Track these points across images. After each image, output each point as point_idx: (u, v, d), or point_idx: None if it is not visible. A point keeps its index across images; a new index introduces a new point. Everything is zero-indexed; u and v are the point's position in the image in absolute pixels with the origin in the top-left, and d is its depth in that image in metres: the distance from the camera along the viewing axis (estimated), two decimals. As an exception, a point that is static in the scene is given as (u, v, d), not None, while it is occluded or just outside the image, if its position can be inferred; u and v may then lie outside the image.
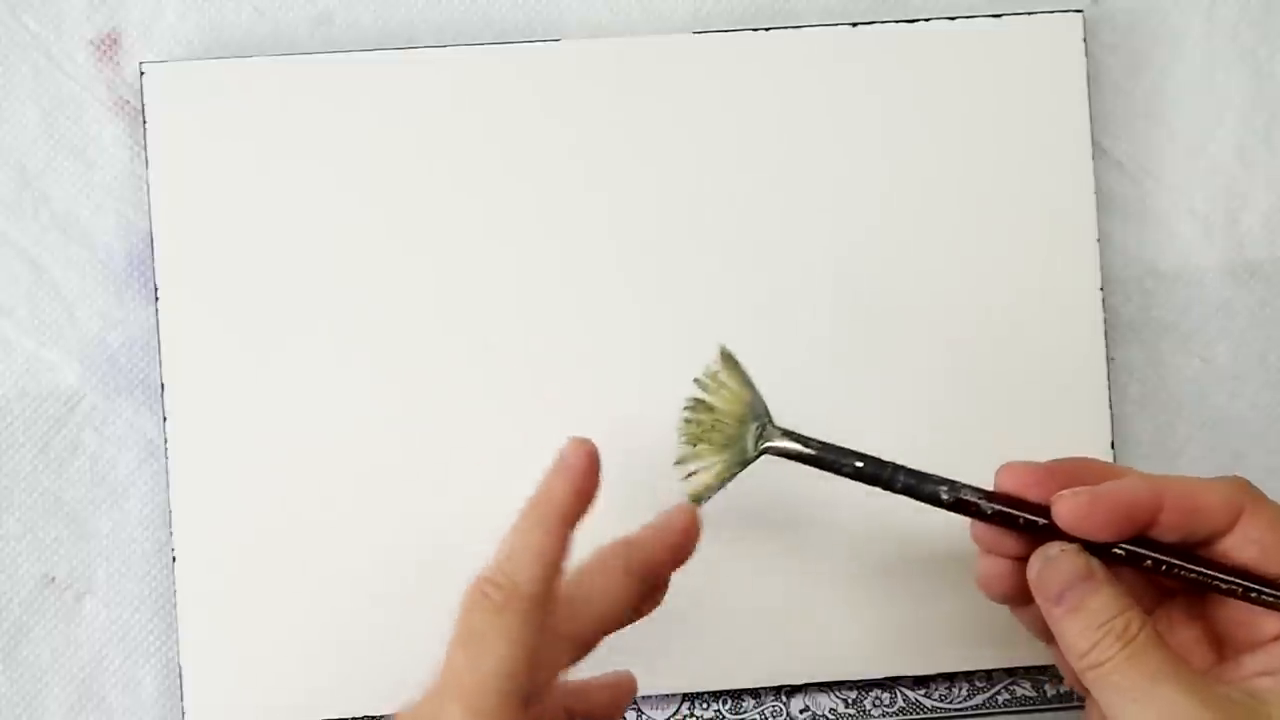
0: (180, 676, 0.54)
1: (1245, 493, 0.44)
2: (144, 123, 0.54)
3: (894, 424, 0.55)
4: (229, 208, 0.54)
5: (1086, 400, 0.55)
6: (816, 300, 0.55)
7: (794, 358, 0.55)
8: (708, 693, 0.56)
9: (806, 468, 0.46)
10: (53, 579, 0.55)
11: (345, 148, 0.55)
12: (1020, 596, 0.45)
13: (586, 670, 0.46)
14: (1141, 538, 0.44)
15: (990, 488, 0.45)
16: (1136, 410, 0.57)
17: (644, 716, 0.55)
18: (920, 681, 0.56)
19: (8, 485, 0.55)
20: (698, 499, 0.46)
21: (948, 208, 0.55)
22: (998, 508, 0.44)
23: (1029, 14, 0.56)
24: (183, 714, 0.54)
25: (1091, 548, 0.44)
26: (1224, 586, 0.43)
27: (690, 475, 0.46)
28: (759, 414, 0.46)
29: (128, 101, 0.56)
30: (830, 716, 0.56)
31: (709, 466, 0.46)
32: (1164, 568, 0.44)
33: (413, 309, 0.54)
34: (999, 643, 0.55)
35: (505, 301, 0.55)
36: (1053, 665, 0.55)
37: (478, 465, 0.54)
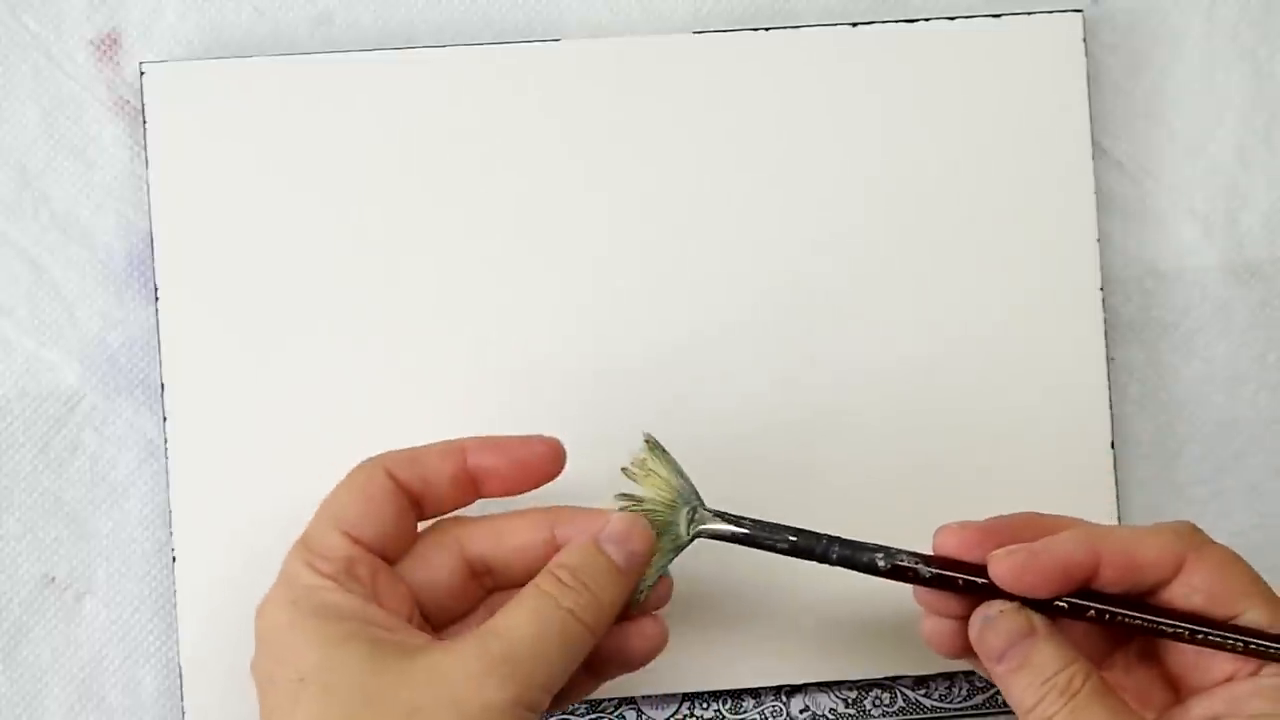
0: (180, 676, 0.54)
1: (1187, 540, 0.44)
2: (144, 123, 0.54)
3: (893, 423, 0.55)
4: (229, 208, 0.54)
5: (1086, 400, 0.55)
6: (816, 299, 0.55)
7: (794, 357, 0.55)
8: (708, 693, 0.56)
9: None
10: (53, 579, 0.55)
11: (345, 148, 0.55)
12: (968, 651, 0.45)
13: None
14: (1086, 590, 0.44)
15: (960, 527, 0.45)
16: (1136, 410, 0.57)
17: (644, 716, 0.55)
18: (920, 681, 0.56)
19: (8, 485, 0.55)
20: (640, 594, 0.47)
21: (947, 208, 0.55)
22: (936, 571, 0.45)
23: (1029, 14, 0.56)
24: (183, 714, 0.54)
25: (1033, 602, 0.44)
26: (1169, 631, 0.43)
27: None
28: (688, 498, 0.47)
29: (128, 101, 0.56)
30: (830, 716, 0.56)
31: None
32: (1107, 617, 0.44)
33: (413, 308, 0.54)
34: (999, 643, 0.55)
35: (505, 301, 0.55)
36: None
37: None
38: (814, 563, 0.46)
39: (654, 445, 0.47)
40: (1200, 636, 0.43)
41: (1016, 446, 0.55)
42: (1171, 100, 0.58)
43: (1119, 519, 0.55)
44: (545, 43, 0.55)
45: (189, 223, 0.54)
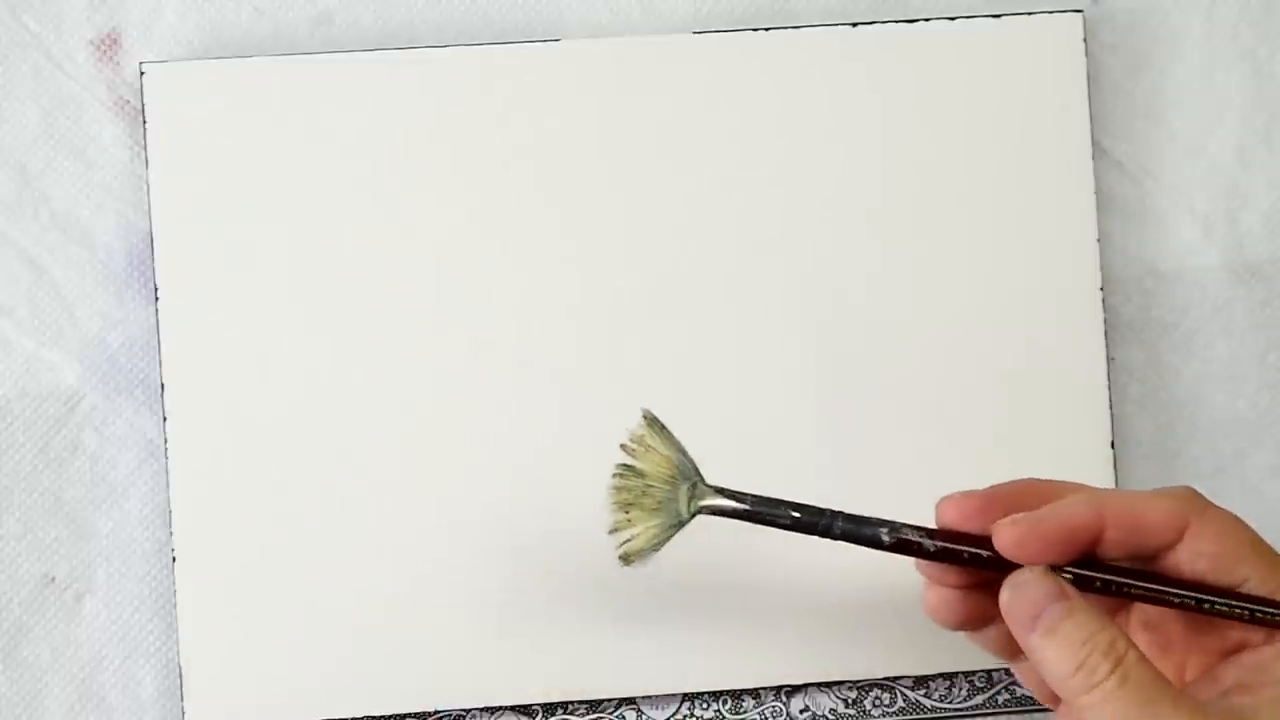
0: (180, 676, 0.54)
1: (1191, 503, 0.43)
2: (144, 123, 0.54)
3: (894, 423, 0.55)
4: (229, 208, 0.54)
5: (1086, 400, 0.55)
6: (816, 299, 0.55)
7: (794, 356, 0.55)
8: (708, 693, 0.56)
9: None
10: (53, 579, 0.55)
11: (345, 148, 0.55)
12: (972, 621, 0.44)
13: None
14: (1090, 559, 0.43)
15: (962, 504, 0.44)
16: (1136, 410, 0.57)
17: (644, 716, 0.55)
18: (920, 681, 0.56)
19: (8, 485, 0.55)
20: (629, 561, 0.46)
21: (947, 208, 0.55)
22: (941, 544, 0.44)
23: (1029, 14, 0.56)
24: (183, 714, 0.54)
25: None
26: (1176, 601, 0.43)
27: (625, 542, 0.46)
28: (689, 474, 0.46)
29: (128, 101, 0.56)
30: (830, 716, 0.56)
31: (643, 532, 0.46)
32: (1114, 588, 0.43)
33: (413, 309, 0.54)
34: (999, 643, 0.55)
35: (506, 301, 0.55)
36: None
37: (479, 466, 0.54)
38: (818, 538, 0.45)
39: (652, 421, 0.46)
40: (1208, 606, 0.42)
41: (1016, 446, 0.55)
42: (1171, 100, 0.58)
43: (1119, 519, 0.55)
44: (545, 43, 0.55)
45: (189, 223, 0.54)
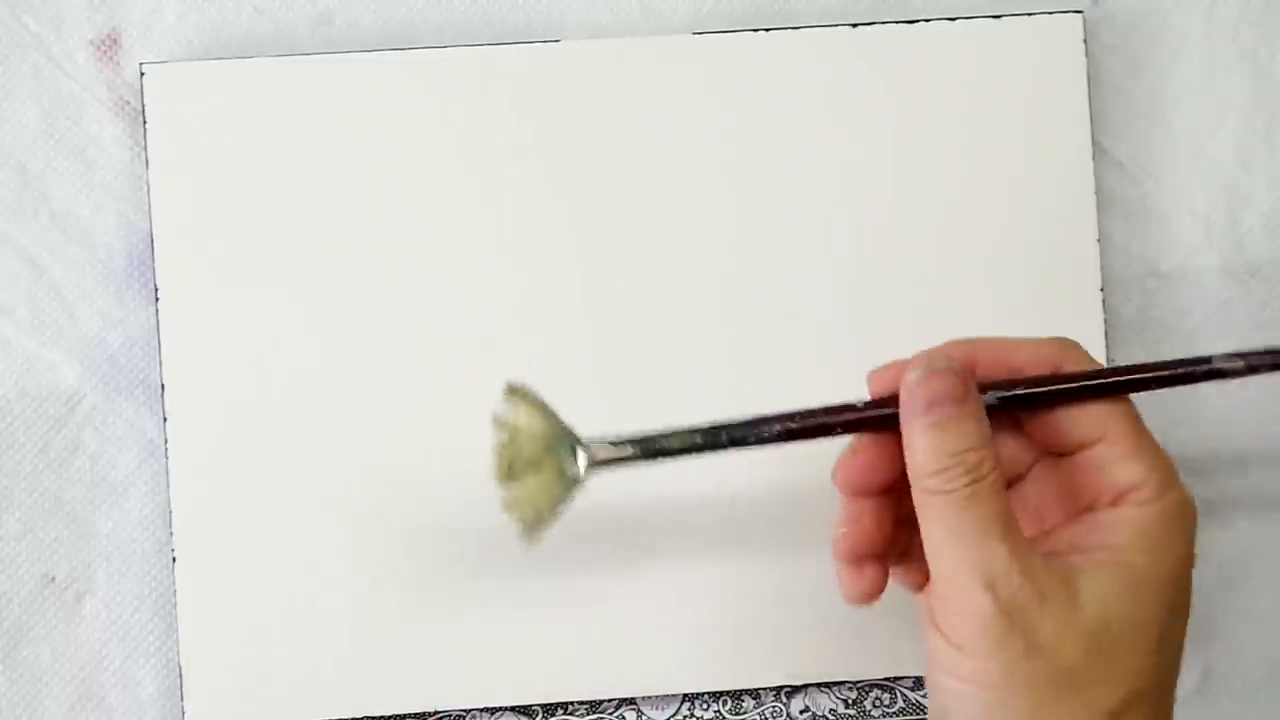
0: (180, 676, 0.54)
1: (1063, 349, 0.44)
2: (144, 123, 0.54)
3: (894, 424, 0.55)
4: (229, 208, 0.54)
5: (1086, 400, 0.55)
6: (817, 299, 0.55)
7: (795, 356, 0.55)
8: (708, 693, 0.56)
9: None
10: (53, 579, 0.55)
11: (345, 148, 0.55)
12: (885, 549, 0.45)
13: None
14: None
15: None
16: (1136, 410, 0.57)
17: (644, 717, 0.55)
18: (920, 682, 0.56)
19: (8, 485, 0.55)
20: (532, 530, 0.45)
21: (948, 208, 0.55)
22: (844, 418, 0.44)
23: (1029, 14, 0.56)
24: (183, 714, 0.54)
25: None
26: (1044, 397, 0.44)
27: (520, 516, 0.45)
28: (566, 434, 0.45)
29: (128, 101, 0.56)
30: (830, 716, 0.56)
31: (533, 495, 0.45)
32: (998, 401, 0.44)
33: (413, 309, 0.55)
34: (999, 643, 0.55)
35: (507, 301, 0.55)
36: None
37: (480, 465, 0.54)
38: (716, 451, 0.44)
39: (514, 390, 0.45)
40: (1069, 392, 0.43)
41: (1016, 447, 0.55)
42: (1171, 100, 0.58)
43: (1119, 519, 0.55)
44: (545, 43, 0.55)
45: (189, 223, 0.54)
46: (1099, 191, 0.56)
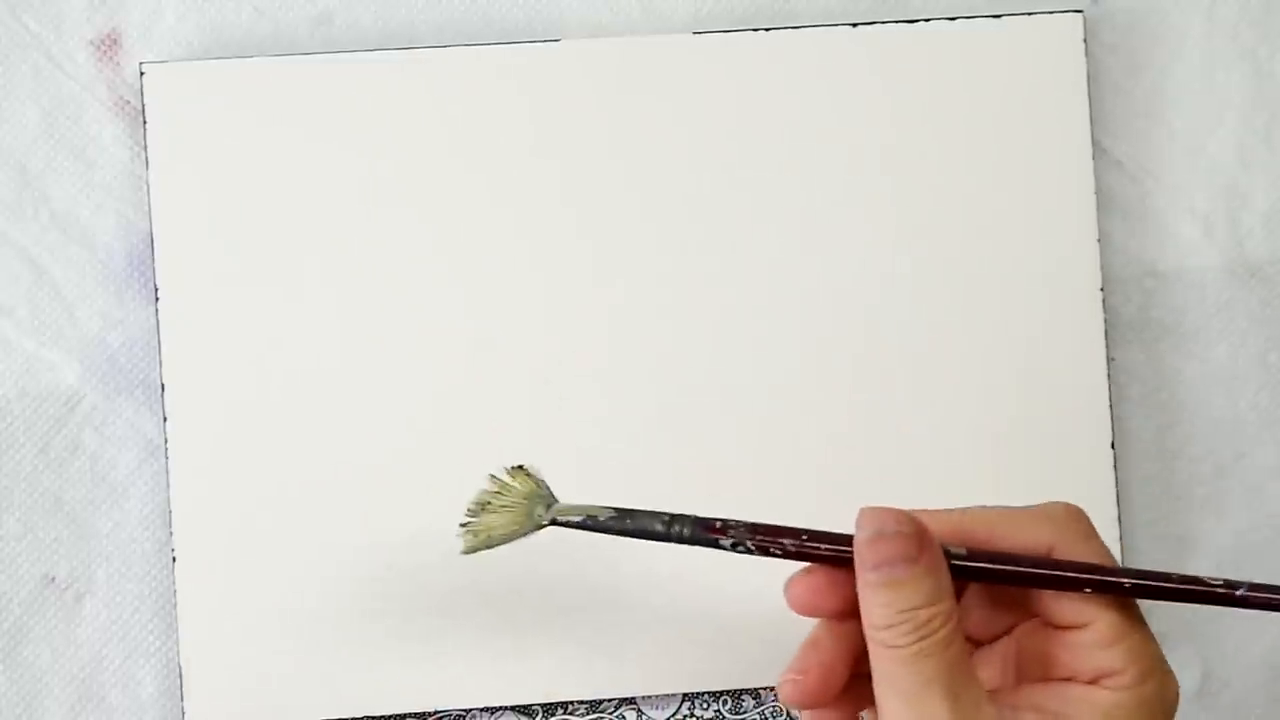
0: (180, 676, 0.54)
1: (1059, 530, 0.43)
2: (144, 123, 0.54)
3: (894, 423, 0.55)
4: (229, 208, 0.54)
5: (1086, 400, 0.55)
6: (816, 299, 0.55)
7: (793, 355, 0.55)
8: (708, 693, 0.56)
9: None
10: (53, 579, 0.55)
11: (345, 148, 0.55)
12: (834, 612, 0.44)
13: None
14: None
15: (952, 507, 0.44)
16: (1136, 410, 0.57)
17: (644, 716, 0.55)
18: (920, 681, 0.56)
19: (8, 485, 0.55)
20: (473, 547, 0.46)
21: (948, 208, 0.55)
22: (797, 544, 0.43)
23: (1029, 14, 0.56)
24: (183, 714, 0.54)
25: None
26: (1011, 575, 0.42)
27: (470, 530, 0.46)
28: (546, 494, 0.46)
29: (128, 101, 0.56)
30: (830, 716, 0.56)
31: (490, 524, 0.46)
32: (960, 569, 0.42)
33: (413, 308, 0.55)
34: (999, 643, 0.55)
35: (507, 301, 0.55)
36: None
37: (480, 466, 0.54)
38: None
39: (521, 467, 0.46)
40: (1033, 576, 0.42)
41: (1016, 447, 0.55)
42: (1171, 100, 0.58)
43: (1119, 519, 0.55)
44: (545, 43, 0.55)
45: (189, 223, 0.54)
46: (1099, 191, 0.56)
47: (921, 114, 0.56)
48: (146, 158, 0.54)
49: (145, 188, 0.55)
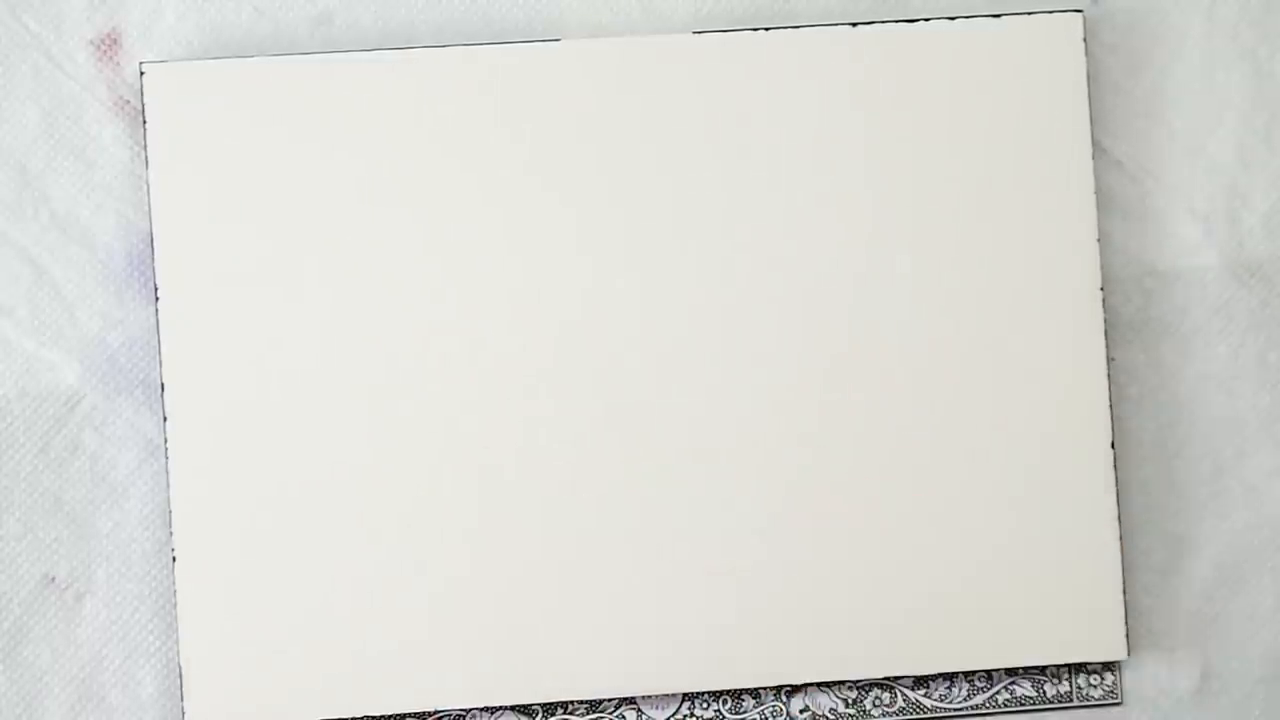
0: (180, 676, 0.54)
1: None
2: (144, 123, 0.54)
3: (892, 422, 0.55)
4: (229, 208, 0.54)
5: (1086, 400, 0.55)
6: (816, 298, 0.55)
7: (793, 354, 0.55)
8: (708, 693, 0.56)
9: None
10: (53, 579, 0.55)
11: (345, 147, 0.55)
12: None
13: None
14: None
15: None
16: (1136, 410, 0.57)
17: (644, 716, 0.55)
18: (920, 681, 0.56)
19: (8, 485, 0.55)
20: None
21: (947, 208, 0.55)
22: None
23: (1029, 14, 0.56)
24: (183, 714, 0.54)
25: None
26: None
27: None
28: None
29: (128, 101, 0.56)
30: (830, 716, 0.56)
31: None
32: None
33: (412, 308, 0.55)
34: (999, 643, 0.55)
35: (506, 302, 0.55)
36: (1052, 665, 0.56)
37: (480, 466, 0.54)
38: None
39: None
40: None
41: (1017, 447, 0.55)
42: (1171, 100, 0.58)
43: (1119, 519, 0.55)
44: (545, 43, 0.55)
45: (189, 223, 0.54)
46: (1099, 191, 0.56)
47: (921, 113, 0.56)
48: (146, 158, 0.54)
49: (145, 188, 0.55)
